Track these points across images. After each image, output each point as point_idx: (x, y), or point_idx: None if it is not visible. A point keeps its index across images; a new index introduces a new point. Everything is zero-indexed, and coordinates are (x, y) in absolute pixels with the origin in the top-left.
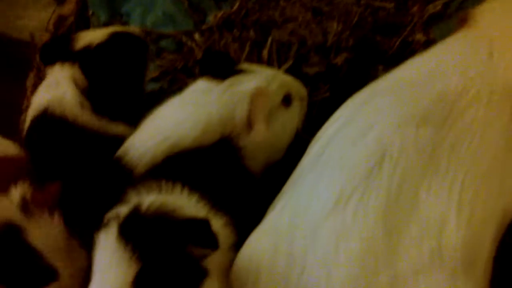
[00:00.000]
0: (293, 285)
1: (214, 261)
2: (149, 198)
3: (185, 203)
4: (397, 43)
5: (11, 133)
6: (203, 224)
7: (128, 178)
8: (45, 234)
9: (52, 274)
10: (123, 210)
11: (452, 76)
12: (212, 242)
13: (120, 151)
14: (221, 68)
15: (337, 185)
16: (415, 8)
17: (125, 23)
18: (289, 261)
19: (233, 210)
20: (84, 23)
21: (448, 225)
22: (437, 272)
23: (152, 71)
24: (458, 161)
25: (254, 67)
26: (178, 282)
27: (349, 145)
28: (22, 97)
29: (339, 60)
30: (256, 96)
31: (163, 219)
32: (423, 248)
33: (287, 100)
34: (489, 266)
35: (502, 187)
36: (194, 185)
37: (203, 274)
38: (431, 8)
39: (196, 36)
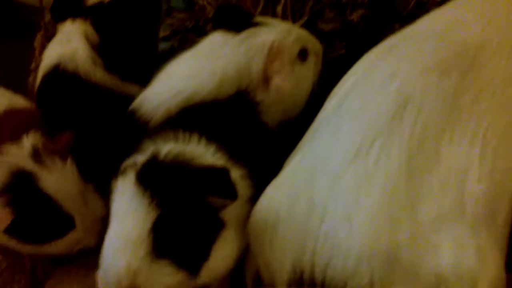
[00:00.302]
0: (312, 235)
1: (231, 213)
2: (166, 147)
3: (203, 153)
4: (413, 2)
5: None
6: (223, 173)
7: (143, 130)
8: (59, 181)
9: (68, 222)
10: (140, 158)
11: (473, 29)
12: (231, 192)
13: (134, 104)
14: (236, 20)
15: (359, 133)
16: None
17: None
18: (308, 211)
19: (250, 164)
20: None
21: (470, 176)
22: (459, 223)
23: (163, 30)
24: (480, 112)
25: (270, 20)
26: (195, 231)
27: (370, 94)
28: (30, 58)
29: (355, 16)
30: (273, 49)
31: (182, 167)
32: (444, 198)
33: (303, 55)
34: (509, 218)
35: None
36: (210, 137)
37: (220, 225)
38: None
39: None
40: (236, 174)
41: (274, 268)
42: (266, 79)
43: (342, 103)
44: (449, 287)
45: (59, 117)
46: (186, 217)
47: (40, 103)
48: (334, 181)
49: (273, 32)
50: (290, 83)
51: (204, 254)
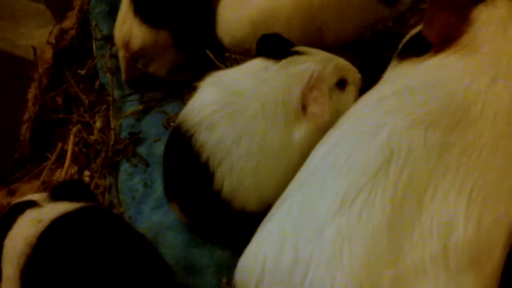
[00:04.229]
0: (296, 286)
1: None
2: None
3: None
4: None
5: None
6: None
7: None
8: None
9: None
10: None
11: (458, 88)
12: None
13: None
14: (277, 48)
15: (344, 186)
16: (412, 20)
17: None
18: (293, 261)
19: None
20: (85, 36)
21: (454, 230)
22: (441, 274)
23: None
24: (467, 168)
25: (310, 49)
26: None
27: (357, 145)
28: (23, 109)
29: None
30: (312, 78)
31: None
32: (426, 251)
33: (341, 84)
34: (501, 265)
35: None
36: None
37: None
38: None
39: None
40: None
41: None
42: (304, 107)
43: (329, 153)
44: None
45: None
46: None
47: None
48: (319, 234)
49: (312, 61)
50: (328, 112)
51: None
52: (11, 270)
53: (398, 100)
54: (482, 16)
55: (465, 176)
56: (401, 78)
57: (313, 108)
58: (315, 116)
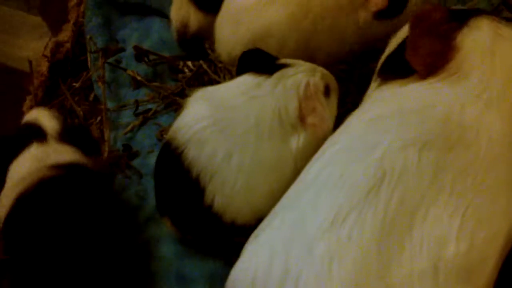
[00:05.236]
0: None
1: None
2: None
3: None
4: None
5: None
6: None
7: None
8: None
9: None
10: None
11: (451, 112)
12: None
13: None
14: (264, 63)
15: (336, 204)
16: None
17: (122, 49)
18: (283, 276)
19: None
20: (80, 49)
21: (446, 247)
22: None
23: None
24: (462, 189)
25: (293, 60)
26: None
27: (351, 163)
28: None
29: None
30: (308, 89)
31: None
32: (415, 268)
33: (327, 91)
34: (492, 281)
35: (507, 215)
36: None
37: None
38: None
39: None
40: None
41: None
42: (303, 119)
43: (323, 170)
44: None
45: None
46: None
47: None
48: (309, 250)
49: (303, 72)
50: (327, 121)
51: None
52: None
53: (391, 121)
54: (467, 41)
55: (460, 197)
56: (391, 99)
57: (312, 119)
58: (315, 126)
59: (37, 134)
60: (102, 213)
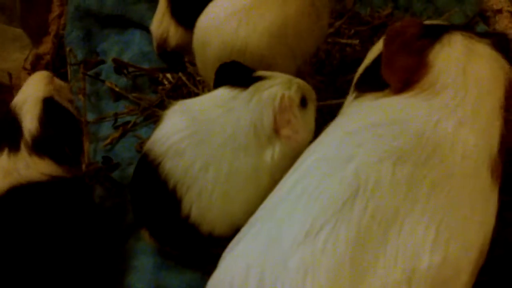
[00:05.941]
0: None
1: None
2: None
3: None
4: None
5: None
6: None
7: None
8: None
9: None
10: None
11: (426, 127)
12: None
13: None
14: (240, 76)
15: (310, 216)
16: None
17: (102, 61)
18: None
19: None
20: (60, 61)
21: (420, 259)
22: None
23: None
24: (437, 203)
25: (270, 72)
26: None
27: (327, 176)
28: None
29: None
30: (282, 101)
31: None
32: (389, 280)
33: (303, 103)
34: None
35: (481, 228)
36: None
37: None
38: None
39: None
40: None
41: None
42: (277, 131)
43: (298, 182)
44: None
45: None
46: None
47: None
48: (284, 262)
49: (278, 84)
50: (301, 133)
51: None
52: None
53: (366, 134)
54: (439, 58)
55: (434, 210)
56: (366, 113)
57: (286, 131)
58: (289, 138)
59: (11, 138)
60: (77, 224)
